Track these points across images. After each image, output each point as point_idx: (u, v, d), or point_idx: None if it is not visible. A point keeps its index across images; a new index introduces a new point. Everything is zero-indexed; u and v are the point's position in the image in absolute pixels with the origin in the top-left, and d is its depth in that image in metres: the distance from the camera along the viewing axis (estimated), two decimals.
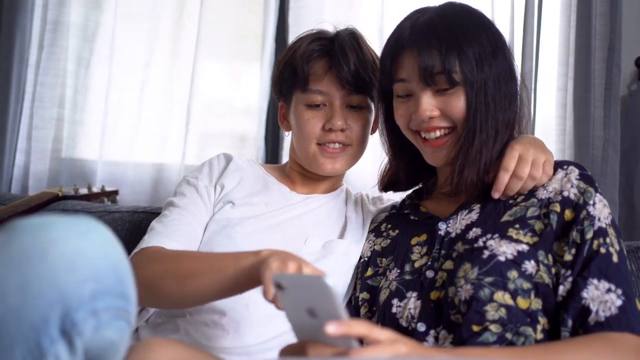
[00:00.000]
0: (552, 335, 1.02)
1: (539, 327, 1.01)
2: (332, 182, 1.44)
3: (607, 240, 1.03)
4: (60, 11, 2.08)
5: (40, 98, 2.07)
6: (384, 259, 1.24)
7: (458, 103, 1.12)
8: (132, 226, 1.53)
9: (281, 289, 0.81)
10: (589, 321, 0.97)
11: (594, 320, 0.96)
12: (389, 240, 1.27)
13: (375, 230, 1.33)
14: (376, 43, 1.86)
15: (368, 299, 1.21)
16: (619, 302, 0.97)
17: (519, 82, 1.18)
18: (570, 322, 0.99)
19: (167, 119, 2.07)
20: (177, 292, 1.10)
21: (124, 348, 0.76)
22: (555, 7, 1.85)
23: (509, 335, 0.99)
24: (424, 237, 1.19)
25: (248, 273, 1.02)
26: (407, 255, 1.18)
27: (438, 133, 1.16)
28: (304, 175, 1.42)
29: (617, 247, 1.04)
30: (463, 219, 1.15)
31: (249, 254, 1.05)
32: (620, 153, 1.79)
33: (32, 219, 0.72)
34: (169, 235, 1.23)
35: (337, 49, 1.32)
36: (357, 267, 1.33)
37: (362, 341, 0.83)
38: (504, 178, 1.11)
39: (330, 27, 1.39)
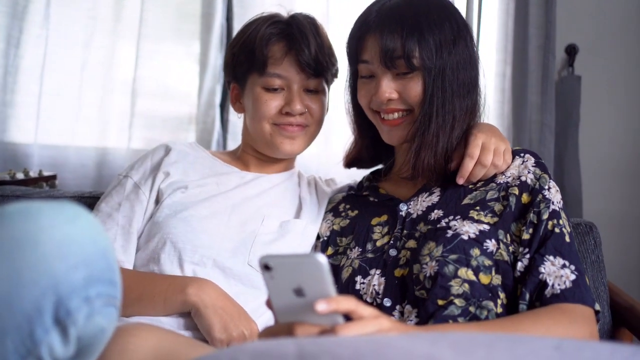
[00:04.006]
0: (509, 308, 1.08)
1: (499, 302, 1.06)
2: (285, 164, 1.45)
3: (560, 221, 1.10)
4: None
5: None
6: (343, 239, 1.27)
7: (416, 87, 1.16)
8: None
9: (268, 270, 0.81)
10: (546, 294, 1.03)
11: (550, 293, 1.03)
12: (347, 221, 1.29)
13: (333, 210, 1.36)
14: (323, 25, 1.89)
15: None
16: (572, 277, 1.04)
17: (480, 71, 1.22)
18: (527, 296, 1.05)
19: (110, 102, 2.00)
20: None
21: (111, 334, 0.74)
22: None
23: (472, 309, 1.04)
24: (384, 217, 1.23)
25: (177, 310, 1.14)
26: (369, 235, 1.21)
27: (396, 115, 1.20)
28: (257, 158, 1.43)
29: (568, 229, 1.11)
30: (424, 201, 1.20)
31: (176, 290, 1.13)
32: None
33: (16, 206, 0.69)
34: None
35: (297, 32, 1.33)
36: (315, 246, 1.35)
37: (347, 317, 0.85)
38: (469, 165, 1.16)
39: (280, 10, 1.39)
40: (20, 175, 1.68)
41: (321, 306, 0.77)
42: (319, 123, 1.39)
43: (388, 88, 1.17)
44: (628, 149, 1.96)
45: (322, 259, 0.77)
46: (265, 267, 0.81)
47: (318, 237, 1.33)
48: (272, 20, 1.36)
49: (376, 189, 1.31)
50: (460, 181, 1.17)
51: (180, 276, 1.19)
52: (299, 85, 1.34)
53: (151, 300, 1.12)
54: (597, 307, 1.05)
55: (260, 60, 1.32)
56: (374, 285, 1.12)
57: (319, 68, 1.33)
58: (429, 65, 1.14)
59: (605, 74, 1.96)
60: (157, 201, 1.32)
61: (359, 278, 1.15)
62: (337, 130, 1.93)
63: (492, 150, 1.16)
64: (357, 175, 1.86)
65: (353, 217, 1.29)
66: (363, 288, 1.13)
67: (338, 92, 1.91)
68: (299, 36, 1.32)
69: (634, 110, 1.95)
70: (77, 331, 0.67)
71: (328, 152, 1.93)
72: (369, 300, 1.12)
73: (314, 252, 0.79)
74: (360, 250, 1.20)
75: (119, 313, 0.74)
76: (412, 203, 1.21)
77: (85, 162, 1.97)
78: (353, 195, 1.36)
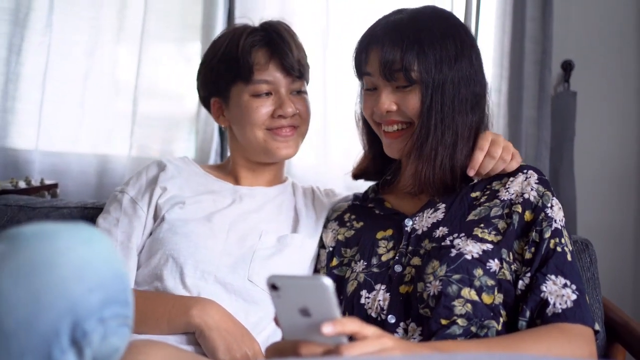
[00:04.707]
0: (509, 325, 1.10)
1: (501, 320, 1.09)
2: (275, 171, 1.48)
3: (562, 240, 1.12)
4: None
5: None
6: (348, 250, 1.29)
7: (414, 100, 1.19)
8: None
9: (275, 289, 0.83)
10: (547, 312, 1.05)
11: (552, 312, 1.05)
12: (352, 232, 1.31)
13: (338, 219, 1.38)
14: (320, 34, 1.91)
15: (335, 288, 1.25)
16: (574, 297, 1.06)
17: (488, 89, 1.24)
18: (528, 313, 1.07)
19: (111, 109, 2.01)
20: None
21: (123, 352, 0.76)
22: (492, 12, 1.95)
23: (473, 329, 1.06)
24: (389, 231, 1.25)
25: (181, 330, 1.17)
26: (374, 249, 1.23)
27: (395, 127, 1.23)
28: (248, 168, 1.45)
29: (570, 247, 1.13)
30: (429, 217, 1.21)
31: (180, 311, 1.16)
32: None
33: (32, 228, 0.71)
34: None
35: (277, 37, 1.37)
36: (316, 257, 1.38)
37: (351, 337, 0.87)
38: (479, 157, 1.18)
39: (248, 22, 1.45)
40: (22, 184, 1.70)
41: (327, 329, 0.80)
42: (307, 123, 1.44)
43: (387, 100, 1.21)
44: (622, 163, 1.99)
45: (328, 282, 0.79)
46: (273, 287, 0.84)
47: (323, 247, 1.35)
48: (249, 30, 1.40)
49: (382, 202, 1.33)
50: (471, 173, 1.20)
51: (184, 296, 1.21)
52: (286, 88, 1.38)
53: (155, 321, 1.15)
54: (597, 327, 1.07)
55: (246, 68, 1.35)
56: (379, 300, 1.14)
57: (301, 70, 1.39)
58: (427, 79, 1.16)
59: (600, 89, 1.99)
60: (156, 216, 1.34)
61: (364, 292, 1.17)
62: (336, 141, 1.95)
63: (501, 145, 1.19)
64: (356, 186, 1.88)
65: (358, 229, 1.31)
66: (368, 302, 1.15)
67: (336, 104, 1.94)
68: (279, 41, 1.37)
69: (628, 126, 1.99)
70: (93, 352, 0.69)
71: (327, 163, 1.95)
72: (373, 315, 1.14)
73: (319, 275, 0.81)
74: (366, 264, 1.22)
75: (131, 332, 0.76)
76: (417, 219, 1.23)
77: (86, 169, 1.98)
78: (358, 206, 1.38)
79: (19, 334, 0.65)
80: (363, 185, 1.81)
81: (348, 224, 1.34)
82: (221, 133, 2.00)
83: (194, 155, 2.00)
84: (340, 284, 1.24)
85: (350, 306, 1.18)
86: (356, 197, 1.41)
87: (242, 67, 1.35)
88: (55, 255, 0.68)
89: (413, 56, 1.16)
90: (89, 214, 1.51)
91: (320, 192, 1.53)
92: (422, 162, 1.19)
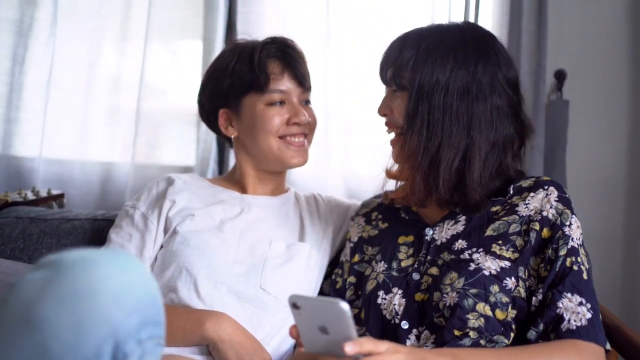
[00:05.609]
0: (516, 338, 1.13)
1: (512, 335, 1.12)
2: (279, 181, 1.54)
3: (579, 259, 1.13)
4: None
5: None
6: (369, 248, 1.33)
7: (400, 105, 1.22)
8: (93, 235, 1.53)
9: (296, 308, 0.89)
10: (561, 327, 1.08)
11: (566, 328, 1.07)
12: (377, 231, 1.35)
13: (366, 216, 1.42)
14: (321, 45, 1.95)
15: (355, 283, 1.30)
16: (588, 315, 1.08)
17: (496, 106, 1.19)
18: (542, 326, 1.09)
19: (115, 118, 2.05)
20: None
21: None
22: (489, 26, 1.99)
23: (482, 342, 1.10)
24: (410, 238, 1.28)
25: (195, 344, 1.22)
26: (395, 254, 1.27)
27: (393, 133, 1.27)
28: (256, 177, 1.50)
29: (587, 265, 1.15)
30: (449, 229, 1.23)
31: (194, 326, 1.21)
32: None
33: (72, 255, 0.75)
34: None
35: (290, 51, 1.46)
36: (323, 268, 1.43)
37: None
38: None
39: (248, 38, 1.52)
40: (30, 195, 1.73)
41: (349, 348, 0.86)
42: (314, 132, 1.52)
43: (383, 103, 1.27)
44: (613, 169, 2.05)
45: (345, 307, 0.85)
46: (294, 305, 0.90)
47: (349, 240, 1.39)
48: (262, 43, 1.47)
49: (409, 206, 1.33)
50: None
51: (198, 310, 1.25)
52: (298, 98, 1.46)
53: (171, 335, 1.18)
54: (608, 346, 1.10)
55: (263, 79, 1.42)
56: (395, 304, 1.18)
57: (309, 81, 1.48)
58: (415, 85, 1.18)
59: (592, 98, 2.05)
60: (166, 229, 1.38)
61: (381, 293, 1.21)
62: (336, 147, 2.00)
63: None
64: (357, 193, 1.93)
65: (382, 230, 1.35)
66: (384, 303, 1.20)
67: (337, 112, 1.98)
68: (293, 53, 1.46)
69: (619, 133, 2.04)
70: None
71: (327, 169, 1.99)
72: (387, 317, 1.18)
73: (337, 299, 0.87)
74: (386, 266, 1.25)
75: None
76: (437, 229, 1.24)
77: (90, 177, 2.02)
78: (387, 206, 1.39)
79: (64, 357, 0.70)
80: (364, 194, 1.86)
81: (374, 223, 1.38)
82: (219, 143, 2.04)
83: (195, 162, 2.04)
84: (361, 279, 1.29)
85: (367, 304, 1.22)
86: (387, 194, 1.39)
87: (259, 78, 1.42)
88: (97, 282, 0.72)
89: (406, 62, 1.19)
90: (100, 225, 1.55)
91: (322, 199, 1.58)
92: (415, 169, 1.20)
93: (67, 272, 0.73)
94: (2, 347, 0.71)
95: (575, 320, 1.08)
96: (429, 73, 1.17)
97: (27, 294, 0.72)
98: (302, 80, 1.46)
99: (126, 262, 0.76)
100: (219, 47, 1.99)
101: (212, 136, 2.01)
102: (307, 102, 1.51)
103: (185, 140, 2.07)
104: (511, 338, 1.12)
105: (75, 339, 0.70)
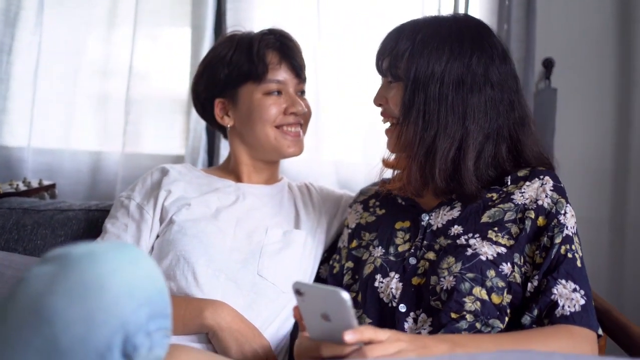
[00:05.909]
0: (511, 322, 1.16)
1: (506, 319, 1.15)
2: (273, 170, 1.56)
3: (573, 247, 1.16)
4: None
5: None
6: (367, 234, 1.35)
7: (396, 96, 1.23)
8: (88, 226, 1.52)
9: (300, 294, 0.91)
10: (556, 313, 1.10)
11: (560, 313, 1.10)
12: (374, 217, 1.37)
13: (363, 203, 1.43)
14: (312, 34, 1.95)
15: (352, 268, 1.32)
16: (582, 302, 1.11)
17: (490, 97, 1.20)
18: (536, 311, 1.12)
19: (104, 107, 2.03)
20: None
21: None
22: (478, 14, 2.00)
23: (478, 325, 1.13)
24: (407, 223, 1.30)
25: (195, 332, 1.24)
26: (392, 239, 1.28)
27: (388, 123, 1.28)
28: (251, 166, 1.51)
29: (580, 254, 1.18)
30: (445, 215, 1.25)
31: (194, 314, 1.23)
32: None
33: (79, 249, 0.76)
34: None
35: (287, 41, 1.48)
36: (318, 257, 1.45)
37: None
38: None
39: (242, 29, 1.53)
40: (22, 186, 1.72)
41: (349, 337, 0.89)
42: (309, 122, 1.53)
43: (378, 94, 1.28)
44: (600, 157, 2.08)
45: (346, 296, 0.87)
46: (297, 292, 0.92)
47: (347, 227, 1.41)
48: (260, 33, 1.48)
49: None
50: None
51: (196, 299, 1.26)
52: (294, 88, 1.48)
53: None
54: (600, 331, 1.13)
55: (261, 69, 1.43)
56: (392, 288, 1.20)
57: (305, 72, 1.50)
58: (410, 75, 1.19)
59: (580, 86, 2.07)
60: (162, 219, 1.39)
61: (378, 276, 1.23)
62: (328, 137, 2.01)
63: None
64: (348, 183, 1.94)
65: (379, 216, 1.36)
66: (381, 287, 1.21)
67: (329, 102, 1.99)
68: (290, 44, 1.48)
69: (606, 120, 2.07)
70: None
71: (319, 159, 2.00)
72: (385, 300, 1.20)
73: (338, 288, 0.88)
74: (384, 251, 1.27)
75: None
76: (433, 214, 1.26)
77: (79, 166, 2.01)
78: (384, 193, 1.39)
79: (74, 351, 0.70)
80: (355, 183, 1.88)
81: (371, 209, 1.40)
82: (209, 132, 2.03)
83: (185, 151, 2.03)
84: (358, 264, 1.30)
85: (365, 287, 1.24)
86: (384, 182, 1.38)
87: (257, 68, 1.43)
88: (107, 276, 0.73)
89: (402, 53, 1.20)
90: (94, 216, 1.55)
91: (314, 188, 1.59)
92: (410, 159, 1.21)
93: (75, 266, 0.73)
94: (11, 342, 0.71)
95: (569, 306, 1.11)
96: (424, 64, 1.18)
97: (36, 288, 0.72)
98: (299, 71, 1.48)
99: (134, 256, 0.76)
100: (208, 35, 1.98)
101: (202, 125, 2.01)
102: (303, 92, 1.53)
103: (175, 130, 2.06)
104: (505, 322, 1.15)
105: (85, 332, 0.70)
